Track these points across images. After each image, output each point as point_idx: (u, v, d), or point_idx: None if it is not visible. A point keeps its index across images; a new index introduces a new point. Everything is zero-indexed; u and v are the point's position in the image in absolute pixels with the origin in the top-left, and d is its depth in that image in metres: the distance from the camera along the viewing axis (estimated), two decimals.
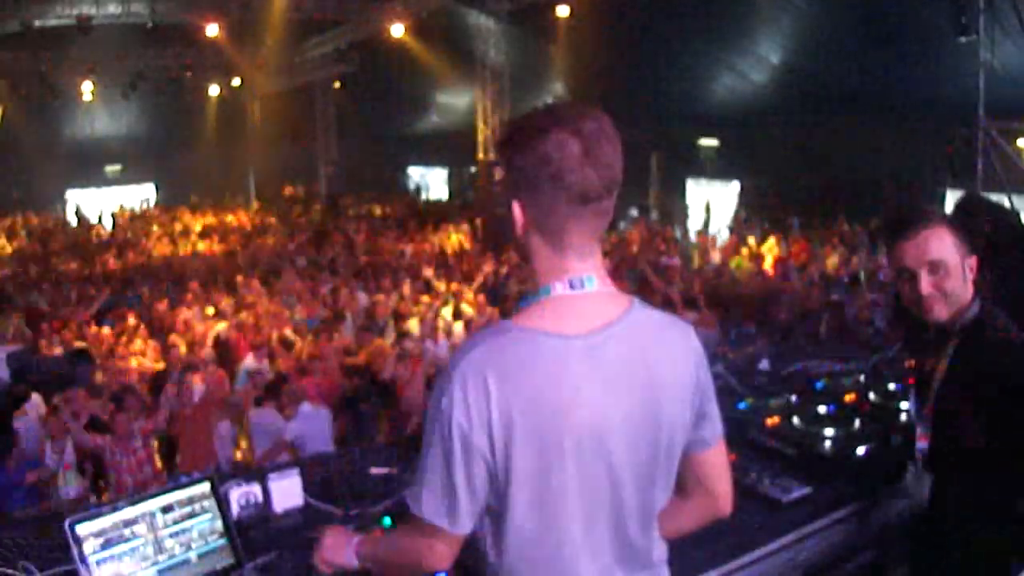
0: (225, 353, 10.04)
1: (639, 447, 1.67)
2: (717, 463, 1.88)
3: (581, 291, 1.65)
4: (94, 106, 30.03)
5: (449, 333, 10.07)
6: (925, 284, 2.43)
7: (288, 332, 10.16)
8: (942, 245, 2.41)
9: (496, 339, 1.61)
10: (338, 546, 2.03)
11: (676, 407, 1.72)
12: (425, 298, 12.09)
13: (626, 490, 1.68)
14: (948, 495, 2.51)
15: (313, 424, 7.48)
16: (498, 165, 1.73)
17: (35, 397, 7.68)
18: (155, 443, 7.50)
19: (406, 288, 12.84)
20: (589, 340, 1.61)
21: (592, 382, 1.60)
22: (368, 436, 8.07)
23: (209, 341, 10.32)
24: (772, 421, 3.35)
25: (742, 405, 3.58)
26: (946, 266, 2.41)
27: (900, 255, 2.47)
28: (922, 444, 2.57)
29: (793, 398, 3.63)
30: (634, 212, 24.81)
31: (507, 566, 1.69)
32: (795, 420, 3.33)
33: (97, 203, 32.54)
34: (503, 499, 1.63)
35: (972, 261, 2.44)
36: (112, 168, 34.29)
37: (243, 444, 8.21)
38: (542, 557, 1.67)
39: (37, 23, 19.91)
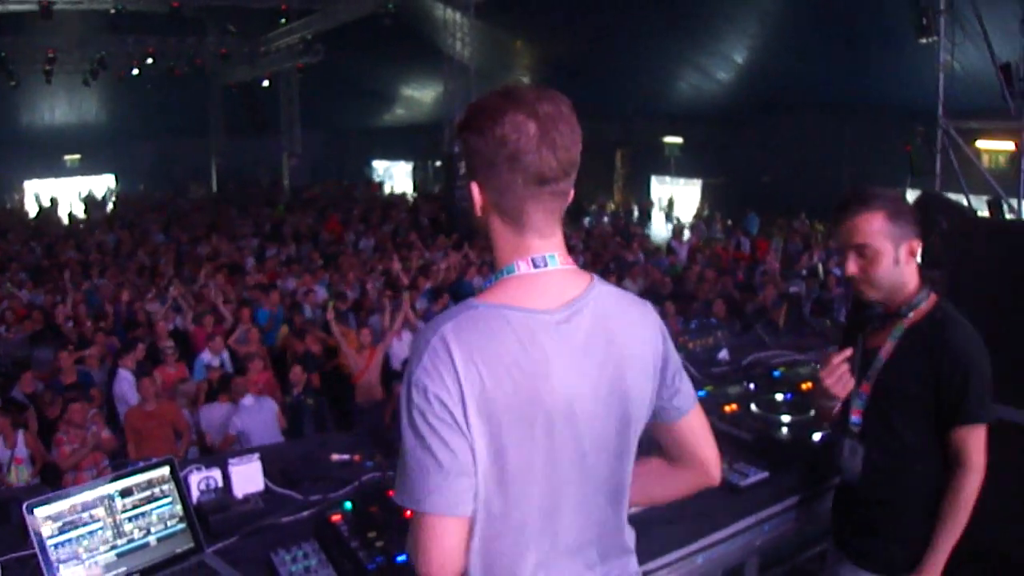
0: (184, 346, 9.93)
1: (607, 421, 1.69)
2: (697, 430, 1.90)
3: (544, 269, 1.66)
4: (54, 94, 29.53)
5: (413, 327, 10.04)
6: (851, 265, 2.54)
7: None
8: (870, 229, 2.47)
9: (463, 314, 1.61)
10: None
11: (640, 380, 1.74)
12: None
13: (594, 464, 1.69)
14: (875, 468, 2.58)
15: (256, 417, 7.47)
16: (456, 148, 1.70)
17: None
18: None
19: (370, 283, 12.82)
20: (556, 315, 1.62)
21: (559, 356, 1.61)
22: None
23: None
24: (730, 408, 3.40)
25: (702, 393, 3.60)
26: (873, 250, 2.48)
27: (837, 235, 2.61)
28: (856, 418, 2.63)
29: (751, 386, 3.68)
30: (595, 208, 24.91)
31: (476, 547, 1.65)
32: (753, 407, 3.38)
33: (55, 193, 32.02)
34: (478, 459, 1.61)
35: (909, 247, 2.49)
36: (71, 158, 33.73)
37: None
38: (510, 535, 1.66)
39: None
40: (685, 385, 1.86)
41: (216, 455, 3.72)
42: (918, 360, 2.49)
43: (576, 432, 1.65)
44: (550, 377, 1.60)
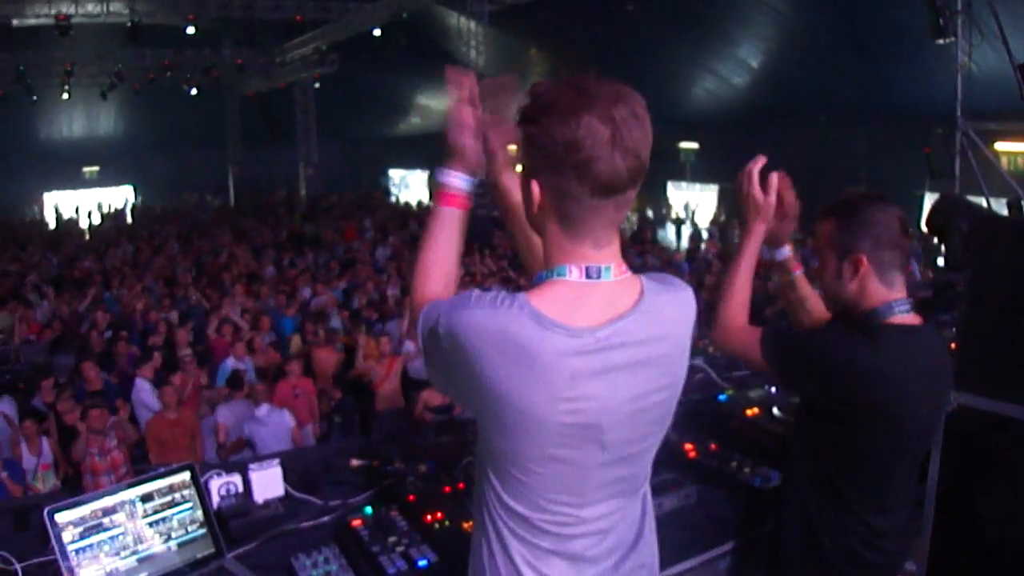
0: (205, 353, 9.99)
1: (634, 428, 1.67)
2: None
3: (596, 281, 1.61)
4: (72, 107, 29.81)
5: None
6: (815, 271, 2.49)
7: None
8: (819, 236, 2.38)
9: (507, 313, 1.55)
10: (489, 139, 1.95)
11: (673, 389, 1.74)
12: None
13: (614, 467, 1.68)
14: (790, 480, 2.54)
15: (269, 428, 7.51)
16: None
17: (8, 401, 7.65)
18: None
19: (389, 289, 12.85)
20: (597, 334, 1.57)
21: (591, 377, 1.57)
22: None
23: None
24: (752, 412, 3.37)
25: (722, 397, 3.58)
26: (821, 258, 2.39)
27: None
28: None
29: (772, 390, 3.65)
30: None
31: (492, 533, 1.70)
32: (775, 411, 3.35)
33: (75, 204, 32.33)
34: (491, 446, 1.64)
35: (853, 262, 2.29)
36: (90, 170, 34.02)
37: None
38: (525, 528, 1.67)
39: (15, 22, 19.78)
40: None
41: (235, 461, 3.72)
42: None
43: (598, 443, 1.63)
44: (574, 400, 1.56)
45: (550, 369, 1.53)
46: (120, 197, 34.36)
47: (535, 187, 1.62)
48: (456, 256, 1.87)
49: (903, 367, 2.19)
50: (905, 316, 2.28)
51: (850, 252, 2.28)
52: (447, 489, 2.71)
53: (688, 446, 3.13)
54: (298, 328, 10.99)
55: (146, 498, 2.47)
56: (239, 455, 7.28)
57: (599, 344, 1.57)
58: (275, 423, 7.59)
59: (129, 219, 30.53)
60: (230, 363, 9.22)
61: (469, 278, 13.67)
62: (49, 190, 33.29)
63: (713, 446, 3.13)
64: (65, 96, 26.76)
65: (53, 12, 19.85)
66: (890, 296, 2.28)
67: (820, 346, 2.28)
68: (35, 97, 26.20)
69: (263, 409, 7.58)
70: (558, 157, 1.53)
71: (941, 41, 11.90)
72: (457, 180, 1.87)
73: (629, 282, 1.66)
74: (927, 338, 2.31)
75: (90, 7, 20.43)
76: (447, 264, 1.85)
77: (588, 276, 1.61)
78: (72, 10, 20.08)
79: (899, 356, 2.20)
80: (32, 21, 20.39)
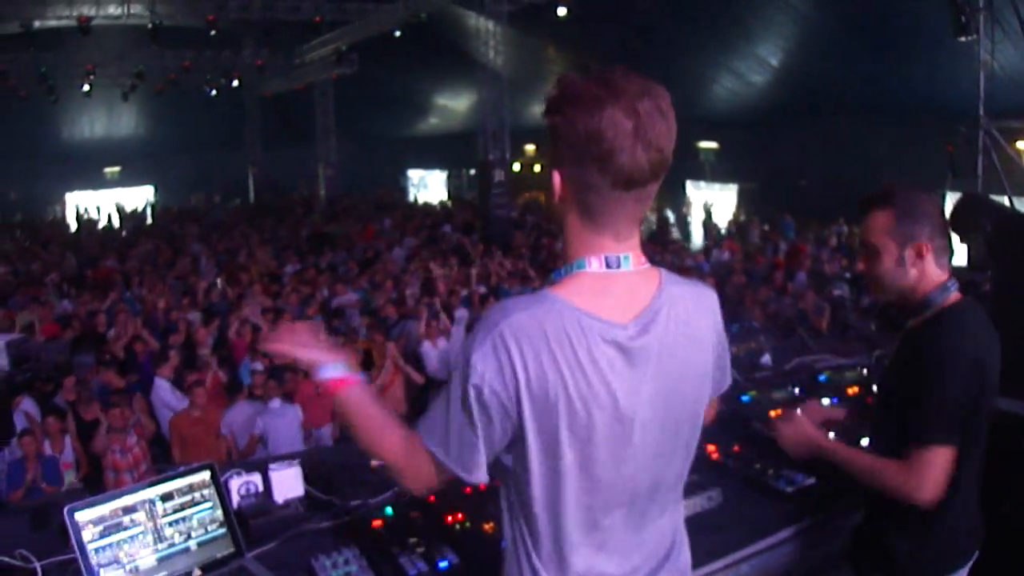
0: (225, 353, 10.02)
1: (663, 426, 1.67)
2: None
3: (616, 271, 1.63)
4: (93, 108, 30.03)
5: (448, 335, 10.03)
6: (859, 262, 2.52)
7: None
8: (874, 226, 2.42)
9: (540, 307, 1.57)
10: (320, 354, 1.87)
11: (701, 383, 1.75)
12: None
13: (643, 468, 1.67)
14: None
15: (280, 421, 7.59)
16: (547, 123, 1.64)
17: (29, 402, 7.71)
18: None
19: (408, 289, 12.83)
20: (628, 330, 1.59)
21: (624, 372, 1.59)
22: None
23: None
24: (776, 413, 3.34)
25: (745, 398, 3.56)
26: (875, 248, 2.42)
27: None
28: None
29: (796, 391, 3.62)
30: None
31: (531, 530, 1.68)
32: (799, 412, 3.31)
33: (96, 204, 32.60)
34: (525, 462, 1.61)
35: (916, 248, 2.37)
36: (111, 170, 34.29)
37: None
38: (551, 529, 1.66)
39: (37, 24, 19.89)
40: (727, 361, 1.89)
41: (255, 460, 3.72)
42: (908, 365, 2.40)
43: (628, 441, 1.63)
44: (612, 390, 1.58)
45: (590, 359, 1.56)
46: (140, 197, 34.60)
47: (557, 178, 1.63)
48: (381, 411, 1.80)
49: (979, 343, 2.35)
50: (956, 294, 2.41)
51: (913, 239, 2.37)
52: (468, 490, 2.69)
53: (711, 448, 3.11)
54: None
55: (166, 497, 2.47)
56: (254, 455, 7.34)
57: (630, 337, 1.59)
58: (289, 415, 7.71)
59: (149, 219, 30.70)
60: (253, 362, 9.24)
61: (487, 278, 13.64)
62: (71, 190, 33.58)
63: (736, 448, 3.10)
64: (87, 98, 26.90)
65: (75, 14, 19.96)
66: (944, 278, 2.40)
67: (958, 382, 2.28)
68: (56, 98, 26.37)
69: (275, 402, 7.69)
70: (581, 148, 1.55)
71: (963, 39, 11.78)
72: (330, 371, 1.83)
73: (648, 273, 1.68)
74: (976, 309, 2.44)
75: (111, 9, 20.52)
76: (382, 426, 1.77)
77: (608, 266, 1.62)
78: (93, 12, 20.19)
79: (975, 335, 2.35)
80: (54, 23, 20.51)
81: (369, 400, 1.81)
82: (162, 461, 7.55)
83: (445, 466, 1.63)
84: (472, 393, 1.55)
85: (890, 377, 2.51)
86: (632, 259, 1.64)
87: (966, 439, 2.30)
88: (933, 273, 2.39)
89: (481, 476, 1.62)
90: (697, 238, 23.56)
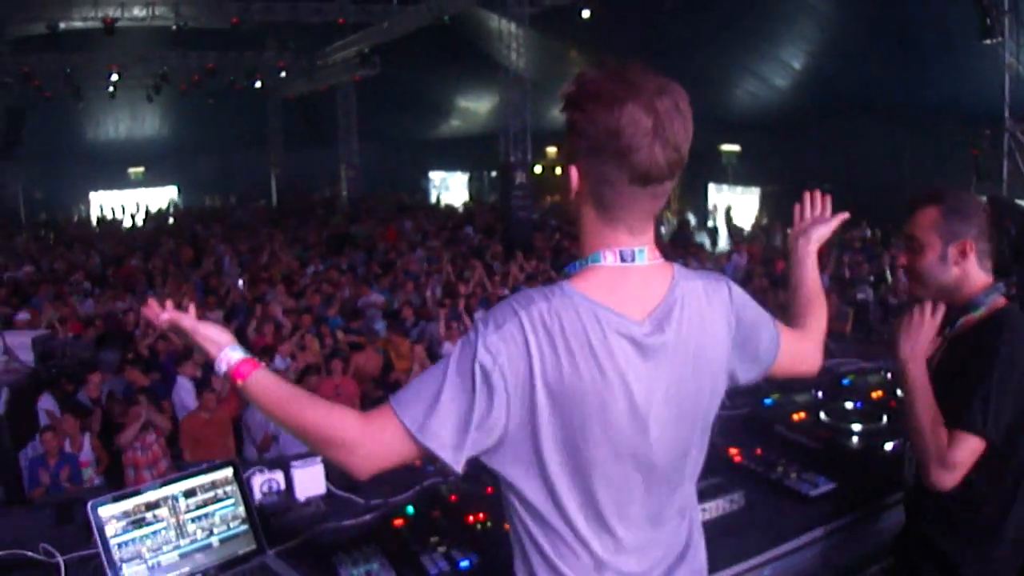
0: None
1: (678, 422, 1.67)
2: (790, 353, 1.96)
3: (630, 264, 1.63)
4: (118, 108, 30.29)
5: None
6: (901, 256, 2.52)
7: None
8: (920, 222, 2.42)
9: (556, 299, 1.58)
10: (215, 338, 1.82)
11: (715, 378, 1.75)
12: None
13: (658, 463, 1.67)
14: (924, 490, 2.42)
15: None
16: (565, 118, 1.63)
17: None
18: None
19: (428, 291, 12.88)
20: (643, 326, 1.60)
21: (638, 364, 1.59)
22: None
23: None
24: (798, 416, 3.31)
25: (768, 401, 3.53)
26: (919, 243, 2.41)
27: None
28: None
29: (819, 394, 3.59)
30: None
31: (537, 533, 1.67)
32: (822, 415, 3.29)
33: (120, 204, 32.91)
34: (540, 455, 1.60)
35: (961, 247, 2.36)
36: (135, 170, 34.61)
37: None
38: (566, 528, 1.65)
39: (62, 25, 20.09)
40: (764, 337, 1.87)
41: (277, 458, 3.73)
42: (961, 365, 2.34)
43: (643, 436, 1.63)
44: (627, 383, 1.58)
45: (606, 351, 1.56)
46: (164, 197, 34.88)
47: (574, 172, 1.64)
48: (294, 393, 1.72)
49: None
50: (1002, 298, 2.40)
51: (958, 237, 2.37)
52: (489, 490, 2.68)
53: (733, 451, 3.08)
54: (342, 328, 11.03)
55: (189, 494, 2.48)
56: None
57: (645, 333, 1.60)
58: None
59: (171, 219, 30.94)
60: (278, 362, 9.29)
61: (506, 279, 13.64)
62: (95, 190, 33.92)
63: (758, 451, 3.08)
64: (111, 93, 27.14)
65: (100, 15, 20.15)
66: (990, 281, 2.40)
67: (1015, 380, 2.25)
68: (82, 99, 26.62)
69: None
70: (599, 143, 1.55)
71: (988, 41, 11.69)
72: (223, 361, 1.78)
73: (662, 267, 1.69)
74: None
75: (136, 10, 20.71)
76: (317, 402, 1.69)
77: (623, 259, 1.63)
78: (118, 13, 20.37)
79: None
80: (79, 24, 20.71)
81: (283, 378, 1.78)
82: (181, 459, 7.61)
83: (419, 442, 1.55)
84: (478, 373, 1.53)
85: (939, 380, 2.39)
86: (647, 253, 1.65)
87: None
88: (977, 275, 2.40)
89: (458, 459, 1.56)
90: (723, 242, 23.43)
